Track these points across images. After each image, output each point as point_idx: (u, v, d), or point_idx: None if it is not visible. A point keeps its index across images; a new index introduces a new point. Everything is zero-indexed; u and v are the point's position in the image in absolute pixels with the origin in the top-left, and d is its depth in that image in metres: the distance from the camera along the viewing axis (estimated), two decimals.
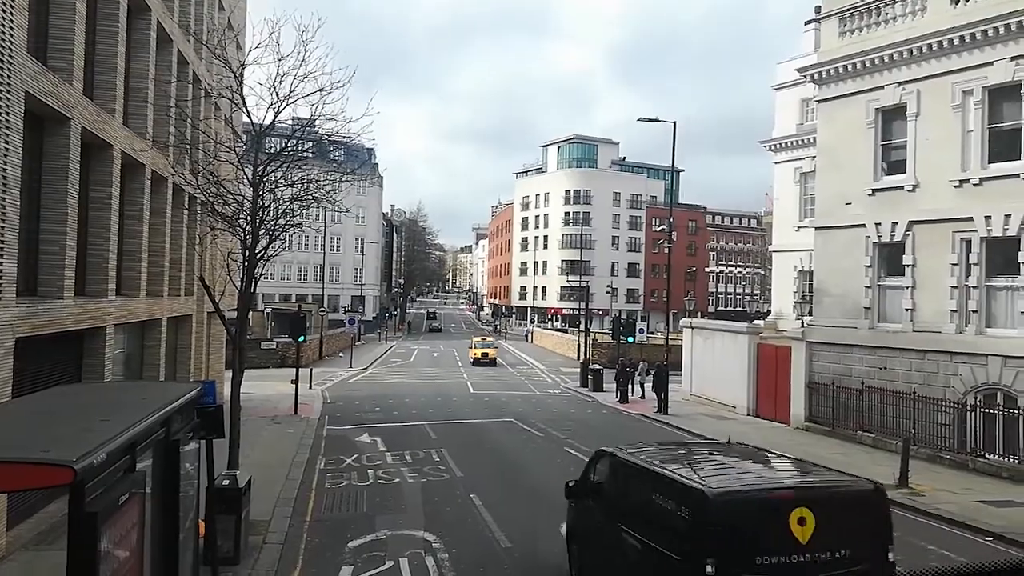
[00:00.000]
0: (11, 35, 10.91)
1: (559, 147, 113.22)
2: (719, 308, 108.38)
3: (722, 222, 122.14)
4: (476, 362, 53.98)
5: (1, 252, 10.83)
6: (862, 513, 7.81)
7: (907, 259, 22.51)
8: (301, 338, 29.09)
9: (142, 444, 5.82)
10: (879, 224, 23.36)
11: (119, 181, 16.63)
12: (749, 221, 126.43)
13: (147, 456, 6.11)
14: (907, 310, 22.42)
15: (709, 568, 7.04)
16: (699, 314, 69.87)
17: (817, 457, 20.00)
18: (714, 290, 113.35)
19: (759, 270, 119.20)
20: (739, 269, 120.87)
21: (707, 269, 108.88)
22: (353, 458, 19.80)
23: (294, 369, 29.63)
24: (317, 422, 25.57)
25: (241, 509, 11.16)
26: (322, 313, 61.22)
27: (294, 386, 28.13)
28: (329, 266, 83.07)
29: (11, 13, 10.96)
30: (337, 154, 20.43)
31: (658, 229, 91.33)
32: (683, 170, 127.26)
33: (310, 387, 34.17)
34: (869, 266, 23.67)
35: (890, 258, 23.40)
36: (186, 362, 23.83)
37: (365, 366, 50.99)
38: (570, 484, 10.86)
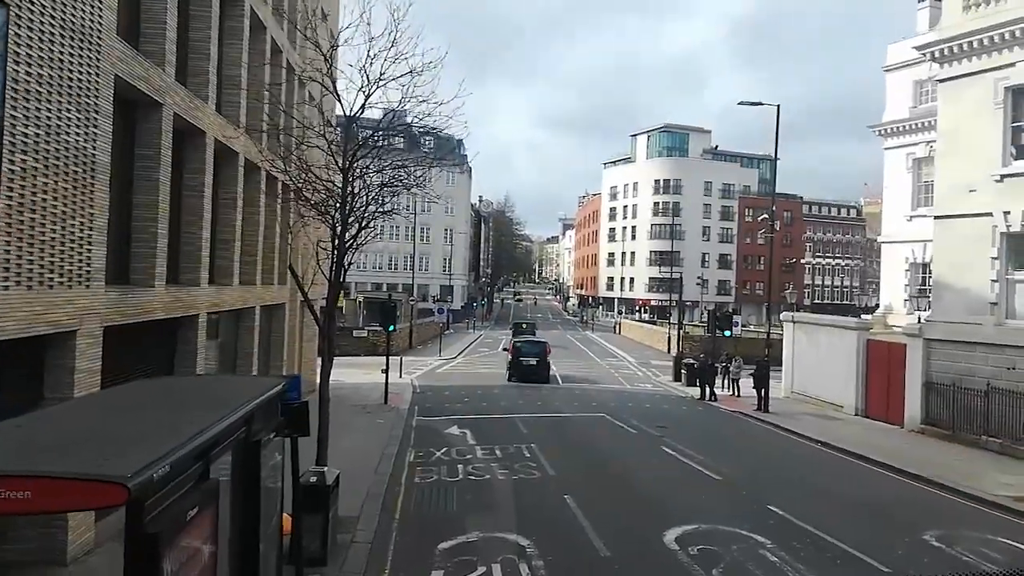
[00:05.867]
0: (100, 16, 10.64)
1: (648, 136, 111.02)
2: (815, 301, 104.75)
3: (819, 212, 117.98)
4: None
5: (89, 239, 10.62)
6: None
7: None
8: (391, 327, 28.92)
9: (219, 447, 5.28)
10: (1008, 213, 21.45)
11: (212, 169, 16.50)
12: (848, 211, 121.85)
13: (225, 459, 5.59)
14: None
15: None
16: (795, 307, 67.40)
17: (937, 464, 18.62)
18: (810, 282, 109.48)
19: (859, 262, 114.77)
20: (837, 261, 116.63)
21: (803, 261, 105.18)
22: (443, 451, 19.33)
23: (384, 357, 29.47)
24: (407, 412, 25.29)
25: (329, 508, 10.67)
26: (412, 302, 61.54)
27: (384, 375, 27.95)
28: (418, 256, 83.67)
29: None
30: (427, 140, 19.93)
31: (760, 219, 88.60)
32: (779, 159, 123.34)
33: (400, 376, 34.06)
34: (996, 258, 21.77)
35: (1020, 250, 21.48)
36: (279, 350, 23.85)
37: (454, 355, 50.93)
38: None
